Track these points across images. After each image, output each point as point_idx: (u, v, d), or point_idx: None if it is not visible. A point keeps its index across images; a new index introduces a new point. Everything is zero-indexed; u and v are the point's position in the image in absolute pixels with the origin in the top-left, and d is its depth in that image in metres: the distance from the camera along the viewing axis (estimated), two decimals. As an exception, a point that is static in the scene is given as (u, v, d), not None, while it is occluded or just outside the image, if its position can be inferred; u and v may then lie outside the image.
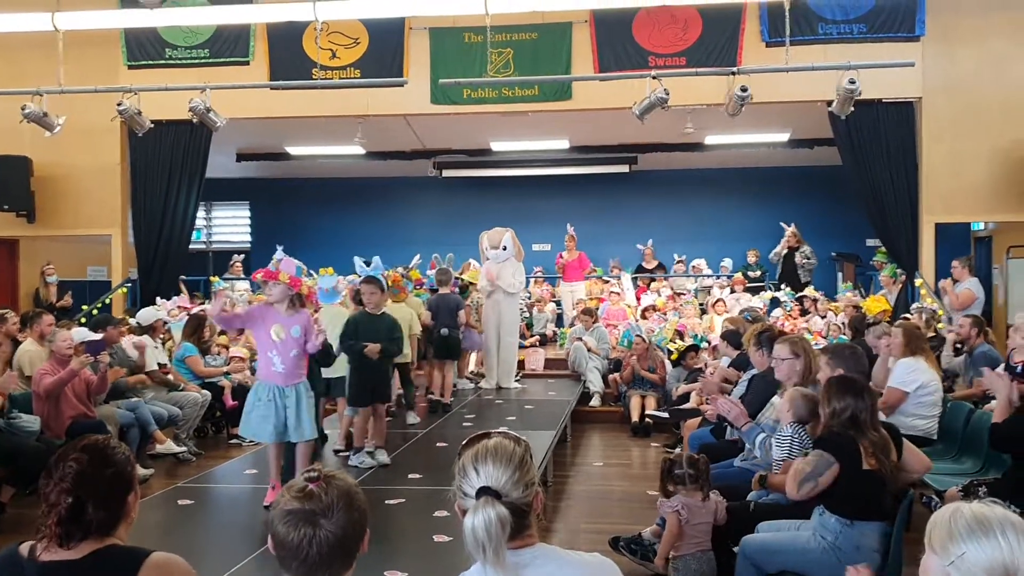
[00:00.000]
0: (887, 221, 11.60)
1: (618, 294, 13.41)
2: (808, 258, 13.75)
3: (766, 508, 4.60)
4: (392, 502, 5.40)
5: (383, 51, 11.94)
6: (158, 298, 11.19)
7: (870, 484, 3.93)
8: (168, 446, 8.37)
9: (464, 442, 2.23)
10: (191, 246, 13.60)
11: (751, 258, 15.12)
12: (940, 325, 10.27)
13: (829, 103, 10.12)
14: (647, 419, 9.75)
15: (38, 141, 11.15)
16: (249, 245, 18.34)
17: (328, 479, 2.09)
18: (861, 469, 3.91)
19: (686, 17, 11.43)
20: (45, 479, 2.35)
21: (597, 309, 12.45)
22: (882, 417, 4.53)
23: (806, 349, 5.28)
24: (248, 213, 18.86)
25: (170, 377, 8.85)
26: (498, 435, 2.22)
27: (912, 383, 6.20)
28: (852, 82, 9.46)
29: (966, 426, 6.27)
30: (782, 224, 14.28)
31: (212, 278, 13.87)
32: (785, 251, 14.02)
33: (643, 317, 12.50)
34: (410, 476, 6.10)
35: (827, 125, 11.41)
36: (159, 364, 8.84)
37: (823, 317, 11.58)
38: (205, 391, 8.93)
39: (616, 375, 10.76)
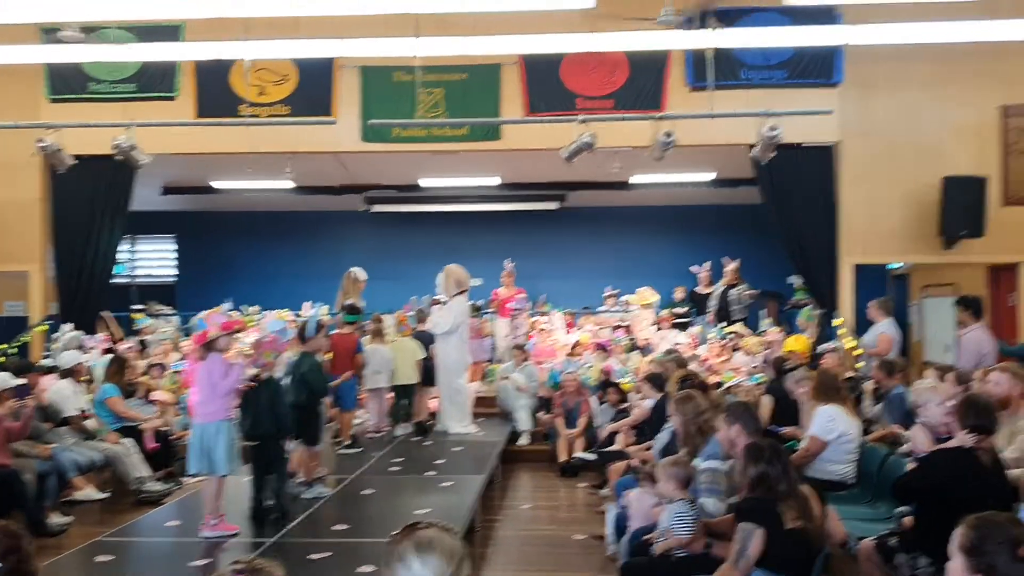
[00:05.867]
0: (808, 261, 11.91)
1: (546, 331, 13.48)
2: (743, 294, 13.85)
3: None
4: (316, 556, 5.31)
5: (312, 88, 11.89)
6: (82, 335, 10.89)
7: (794, 543, 4.02)
8: (87, 492, 8.15)
9: (400, 530, 2.25)
10: (114, 280, 13.29)
11: (678, 294, 15.28)
12: (859, 365, 10.55)
13: (751, 147, 10.37)
14: (574, 460, 9.80)
15: (-47, 174, 10.80)
16: (175, 279, 18.01)
17: (255, 571, 2.08)
18: (784, 529, 4.01)
19: (614, 61, 11.62)
20: None
21: (525, 346, 12.51)
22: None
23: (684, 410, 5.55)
24: (174, 246, 18.49)
25: (91, 423, 8.60)
26: (435, 527, 2.26)
27: (831, 432, 6.36)
28: (773, 129, 9.72)
29: (880, 470, 6.44)
30: (698, 264, 14.60)
31: (134, 314, 13.57)
32: (723, 287, 14.13)
33: (572, 353, 12.52)
34: (334, 528, 6.02)
35: (750, 165, 11.68)
36: (80, 410, 8.59)
37: (748, 354, 11.77)
38: (126, 439, 8.63)
39: (547, 416, 10.80)
